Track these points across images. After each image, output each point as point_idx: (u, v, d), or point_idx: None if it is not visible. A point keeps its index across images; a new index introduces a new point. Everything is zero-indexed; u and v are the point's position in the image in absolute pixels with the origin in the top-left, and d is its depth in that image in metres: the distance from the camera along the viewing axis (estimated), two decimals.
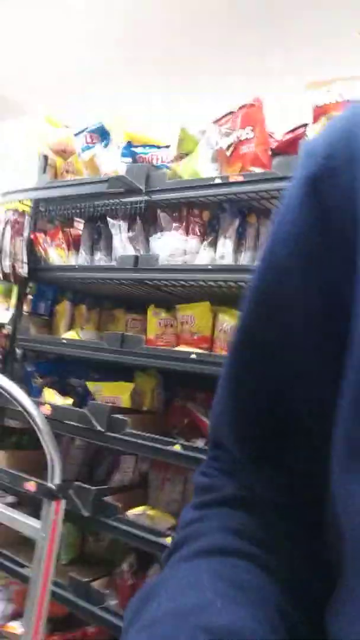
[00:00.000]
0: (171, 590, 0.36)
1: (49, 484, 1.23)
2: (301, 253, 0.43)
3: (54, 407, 1.85)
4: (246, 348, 0.48)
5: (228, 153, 1.79)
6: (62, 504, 1.23)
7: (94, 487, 1.71)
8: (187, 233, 1.88)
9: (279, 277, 0.45)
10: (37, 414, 1.25)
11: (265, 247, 0.47)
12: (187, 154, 1.93)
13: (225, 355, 0.50)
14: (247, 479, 0.47)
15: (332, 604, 0.37)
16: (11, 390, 1.32)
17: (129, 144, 2.10)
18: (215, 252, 1.82)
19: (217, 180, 1.76)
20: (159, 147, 2.10)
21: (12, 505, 1.99)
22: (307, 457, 0.46)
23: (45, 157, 2.31)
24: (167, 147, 2.05)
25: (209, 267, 1.74)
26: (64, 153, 2.31)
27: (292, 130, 1.74)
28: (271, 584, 0.39)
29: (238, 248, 1.81)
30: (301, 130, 1.71)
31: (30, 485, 1.69)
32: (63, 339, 2.02)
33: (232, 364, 0.49)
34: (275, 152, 1.74)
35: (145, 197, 1.93)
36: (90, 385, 1.97)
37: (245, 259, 1.78)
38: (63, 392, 2.07)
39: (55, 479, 1.23)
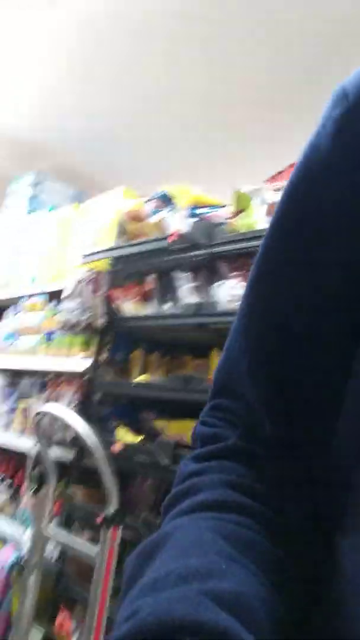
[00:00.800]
0: (173, 548, 0.33)
1: (106, 512, 1.21)
2: (334, 181, 0.41)
3: (125, 445, 1.86)
4: (266, 283, 0.45)
5: None
6: (119, 530, 1.20)
7: (159, 520, 1.66)
8: (245, 280, 1.88)
9: (309, 209, 0.43)
10: (94, 442, 1.26)
11: (293, 177, 0.45)
12: (242, 211, 1.96)
13: None
14: (259, 429, 0.43)
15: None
16: (75, 424, 1.35)
17: (194, 207, 2.17)
18: None
19: None
20: (219, 207, 2.15)
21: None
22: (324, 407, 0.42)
23: (122, 225, 2.44)
24: (225, 206, 2.10)
25: None
26: (137, 219, 2.43)
27: None
28: (271, 540, 0.37)
29: None
30: None
31: (101, 519, 1.68)
32: (134, 382, 2.05)
33: (249, 303, 0.45)
34: None
35: (207, 251, 1.97)
36: (158, 423, 1.97)
37: None
38: (136, 433, 2.07)
39: (111, 507, 1.22)
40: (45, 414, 1.76)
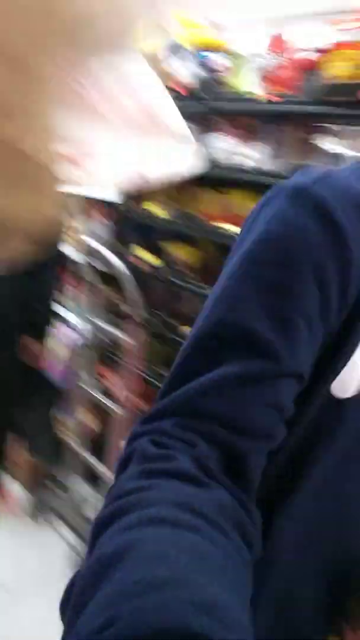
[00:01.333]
0: (137, 559, 0.33)
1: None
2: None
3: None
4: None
5: (270, 75, 2.07)
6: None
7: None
8: (242, 140, 2.27)
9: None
10: (118, 265, 1.95)
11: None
12: (239, 69, 2.23)
13: None
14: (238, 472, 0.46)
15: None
16: (103, 252, 2.00)
17: (199, 54, 2.39)
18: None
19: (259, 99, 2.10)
20: (226, 55, 2.34)
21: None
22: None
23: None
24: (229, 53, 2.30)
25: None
26: (155, 63, 2.63)
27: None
28: (222, 557, 0.37)
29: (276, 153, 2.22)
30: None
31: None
32: (157, 218, 2.60)
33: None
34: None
35: (205, 104, 2.32)
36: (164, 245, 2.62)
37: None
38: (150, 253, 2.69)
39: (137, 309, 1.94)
40: (79, 234, 2.39)
